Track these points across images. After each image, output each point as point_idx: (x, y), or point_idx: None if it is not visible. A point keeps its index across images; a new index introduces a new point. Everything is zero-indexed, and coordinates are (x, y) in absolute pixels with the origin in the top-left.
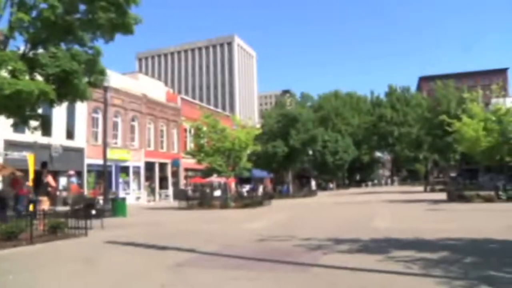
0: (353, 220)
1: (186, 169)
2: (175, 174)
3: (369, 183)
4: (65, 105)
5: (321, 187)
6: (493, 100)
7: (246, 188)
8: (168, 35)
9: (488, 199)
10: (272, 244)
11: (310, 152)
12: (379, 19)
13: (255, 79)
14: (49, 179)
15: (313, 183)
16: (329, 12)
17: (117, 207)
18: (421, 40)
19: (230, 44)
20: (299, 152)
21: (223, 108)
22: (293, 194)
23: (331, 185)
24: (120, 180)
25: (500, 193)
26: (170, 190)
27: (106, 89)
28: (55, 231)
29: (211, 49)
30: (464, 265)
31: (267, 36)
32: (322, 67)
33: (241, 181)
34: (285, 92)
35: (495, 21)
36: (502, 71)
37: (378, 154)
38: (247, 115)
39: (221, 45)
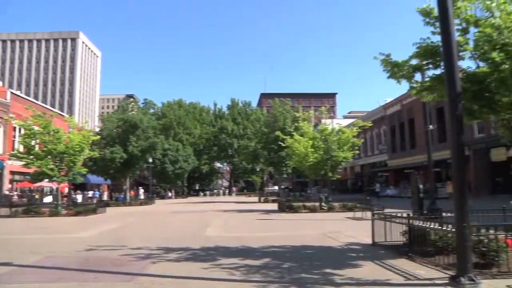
0: (186, 229)
1: (13, 172)
2: None
3: (208, 192)
4: None
5: (160, 196)
6: (323, 121)
7: (89, 194)
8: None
9: (312, 210)
10: (100, 254)
11: (150, 160)
12: (226, 32)
13: (98, 80)
14: None
15: (141, 191)
16: (180, 20)
17: None
18: (265, 58)
19: (74, 40)
20: (138, 159)
21: (61, 107)
22: (130, 202)
23: (170, 194)
24: None
25: (323, 204)
26: None
27: None
28: None
29: (52, 43)
30: (282, 269)
31: (115, 37)
32: (168, 74)
33: (76, 187)
34: (129, 96)
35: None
36: (332, 95)
37: (218, 164)
38: (86, 117)
39: (64, 40)
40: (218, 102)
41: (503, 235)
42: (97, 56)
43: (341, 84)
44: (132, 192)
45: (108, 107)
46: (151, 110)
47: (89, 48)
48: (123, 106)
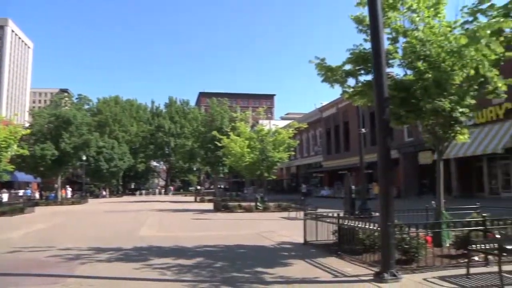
0: (120, 229)
1: None
2: None
3: (144, 191)
4: None
5: (94, 194)
6: (260, 121)
7: (19, 193)
8: None
9: (248, 209)
10: (25, 256)
11: (84, 158)
12: (166, 30)
13: (29, 72)
14: None
15: (69, 190)
16: (118, 16)
17: None
18: (205, 57)
19: (2, 27)
20: (71, 157)
21: None
22: (61, 201)
23: (104, 193)
24: None
25: (258, 204)
26: None
27: None
28: None
29: None
30: (214, 269)
31: (51, 29)
32: (105, 71)
33: (2, 185)
34: (63, 91)
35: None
36: (271, 96)
37: (154, 163)
38: (16, 111)
39: None
40: (156, 100)
41: (424, 233)
42: (29, 47)
43: (280, 86)
44: (63, 191)
45: (40, 101)
46: (86, 106)
47: (19, 38)
48: (55, 101)
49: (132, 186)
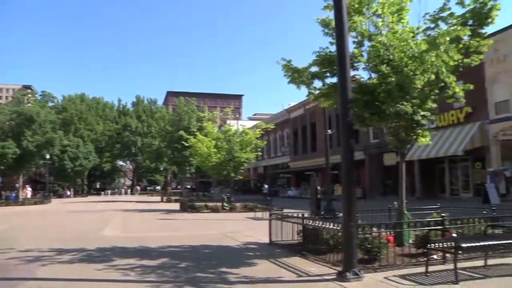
0: (83, 229)
1: None
2: None
3: (110, 191)
4: None
5: (58, 194)
6: (228, 122)
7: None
8: None
9: (214, 210)
10: None
11: (47, 156)
12: (134, 28)
13: None
14: None
15: (28, 190)
16: (84, 13)
17: None
18: (173, 57)
19: None
20: (33, 156)
21: None
22: (23, 201)
23: (68, 192)
24: None
25: (225, 204)
26: None
27: None
28: None
29: None
30: (178, 269)
31: (15, 22)
32: (71, 68)
33: None
34: (26, 87)
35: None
36: (239, 97)
37: (120, 162)
38: None
39: None
40: (123, 98)
41: (386, 233)
42: None
43: (248, 86)
44: (24, 191)
45: (1, 97)
46: (50, 104)
47: None
48: (18, 97)
49: (98, 186)
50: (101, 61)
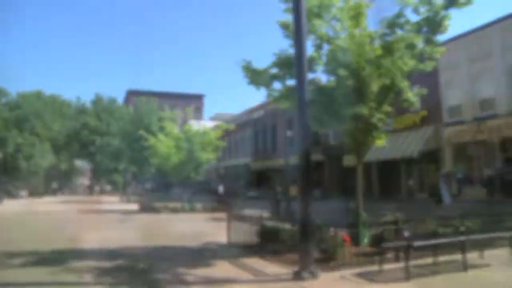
0: (38, 232)
1: None
2: None
3: (67, 191)
4: None
5: (10, 195)
6: (189, 121)
7: None
8: None
9: (175, 210)
10: None
11: (0, 155)
12: (94, 25)
13: None
14: None
15: None
16: (43, 6)
17: None
18: (134, 56)
19: None
20: None
21: None
22: None
23: (22, 193)
24: None
25: (186, 204)
26: None
27: None
28: None
29: None
30: (135, 271)
31: None
32: (28, 63)
33: None
34: None
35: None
36: (200, 97)
37: (78, 162)
38: None
39: None
40: (82, 96)
41: (342, 232)
42: None
43: (209, 87)
44: None
45: None
46: (4, 100)
47: None
48: None
49: (55, 186)
50: (59, 59)
